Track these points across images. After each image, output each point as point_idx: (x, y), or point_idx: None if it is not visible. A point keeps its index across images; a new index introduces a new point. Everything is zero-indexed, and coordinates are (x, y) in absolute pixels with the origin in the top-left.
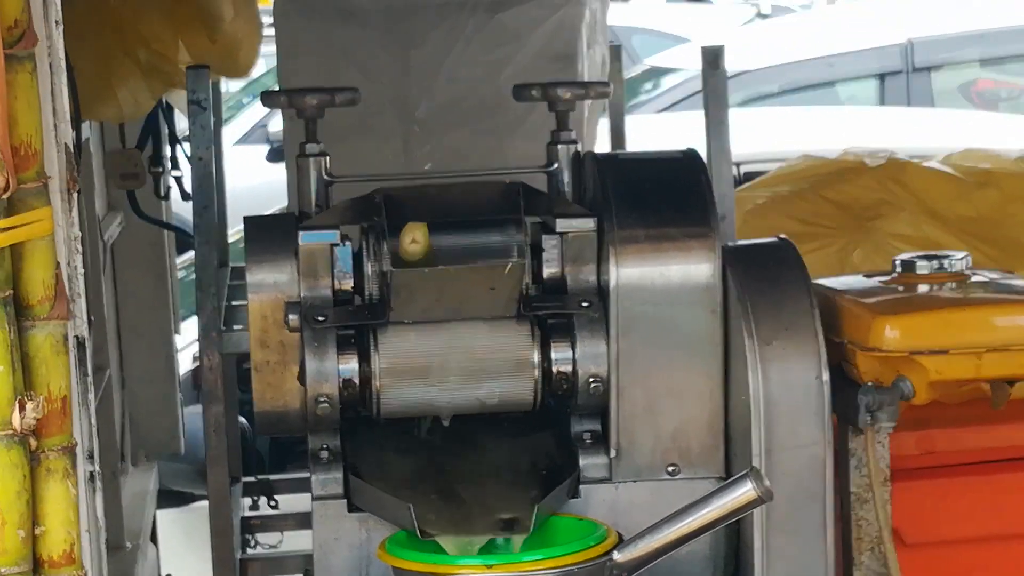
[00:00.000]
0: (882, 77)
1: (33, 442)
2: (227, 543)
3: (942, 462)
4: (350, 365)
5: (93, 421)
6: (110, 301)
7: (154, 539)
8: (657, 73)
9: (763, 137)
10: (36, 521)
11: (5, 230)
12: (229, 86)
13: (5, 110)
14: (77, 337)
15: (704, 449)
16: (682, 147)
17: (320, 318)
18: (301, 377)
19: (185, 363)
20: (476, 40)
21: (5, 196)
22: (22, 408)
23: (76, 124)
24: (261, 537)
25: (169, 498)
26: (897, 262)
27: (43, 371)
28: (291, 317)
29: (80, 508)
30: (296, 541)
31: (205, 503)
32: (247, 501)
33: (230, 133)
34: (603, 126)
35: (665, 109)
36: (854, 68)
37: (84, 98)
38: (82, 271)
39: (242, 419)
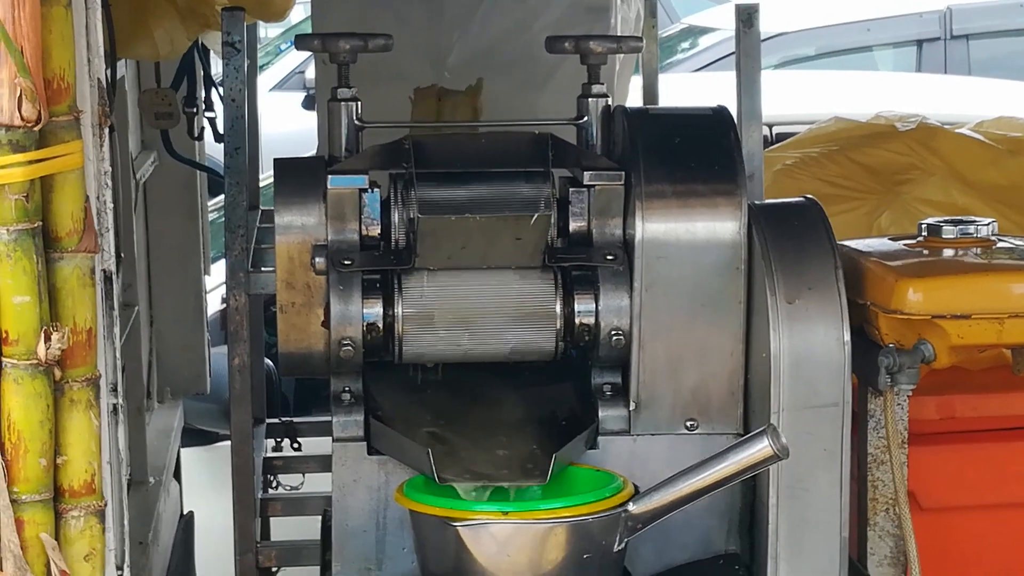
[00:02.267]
0: (920, 44)
1: (57, 372)
2: (248, 483)
3: (961, 427)
4: (374, 309)
5: (118, 355)
6: (141, 239)
7: (177, 476)
8: (694, 32)
9: (797, 99)
10: (58, 451)
11: (36, 162)
12: (267, 32)
13: (39, 42)
14: (104, 271)
15: (723, 405)
16: (712, 106)
17: (346, 262)
18: (326, 320)
19: (214, 304)
20: None
21: (37, 128)
22: (47, 338)
23: (112, 62)
24: (282, 478)
25: (193, 436)
26: (923, 226)
27: (69, 303)
28: (318, 260)
29: (102, 439)
30: (317, 483)
31: (228, 443)
32: (270, 442)
33: (267, 79)
34: (636, 83)
35: (701, 68)
36: (892, 34)
37: (120, 36)
38: (111, 206)
39: (268, 361)
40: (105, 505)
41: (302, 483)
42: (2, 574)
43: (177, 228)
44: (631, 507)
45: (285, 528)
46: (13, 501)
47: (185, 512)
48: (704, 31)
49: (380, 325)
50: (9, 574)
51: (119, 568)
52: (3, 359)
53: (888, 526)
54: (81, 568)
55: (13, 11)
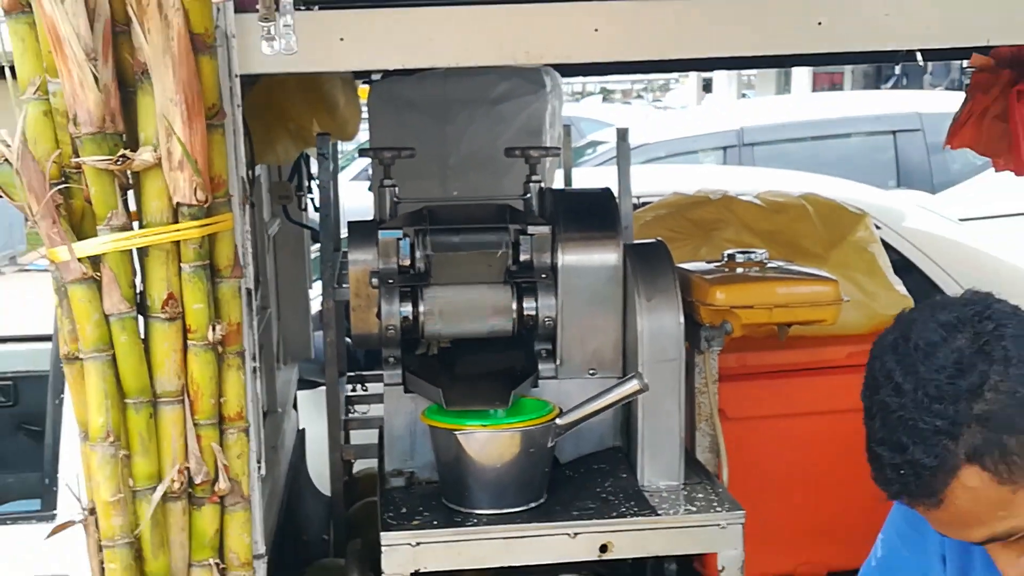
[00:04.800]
0: (725, 149)
1: (220, 348)
2: (337, 411)
3: (751, 371)
4: (407, 308)
5: (256, 338)
6: (271, 270)
7: (295, 407)
8: (595, 143)
9: (653, 182)
10: (221, 395)
11: (204, 225)
12: (345, 146)
13: (206, 154)
14: (248, 289)
15: (610, 360)
16: (602, 187)
17: (390, 281)
18: (378, 315)
19: (315, 306)
20: (484, 120)
21: (205, 206)
22: (213, 329)
23: (251, 166)
24: (357, 408)
25: (305, 384)
26: (725, 255)
27: (226, 308)
28: (373, 280)
29: (247, 387)
30: (376, 411)
31: (325, 387)
32: (349, 387)
33: (347, 174)
34: (559, 174)
35: (599, 164)
36: (709, 143)
37: (257, 150)
38: (251, 251)
39: (347, 339)
40: (249, 426)
41: (368, 410)
42: (187, 466)
43: (293, 263)
44: (558, 421)
45: (359, 437)
46: (196, 424)
47: (300, 429)
48: (600, 143)
49: (410, 317)
50: (193, 468)
51: (258, 462)
52: (188, 341)
53: (707, 430)
54: (235, 463)
55: (190, 135)
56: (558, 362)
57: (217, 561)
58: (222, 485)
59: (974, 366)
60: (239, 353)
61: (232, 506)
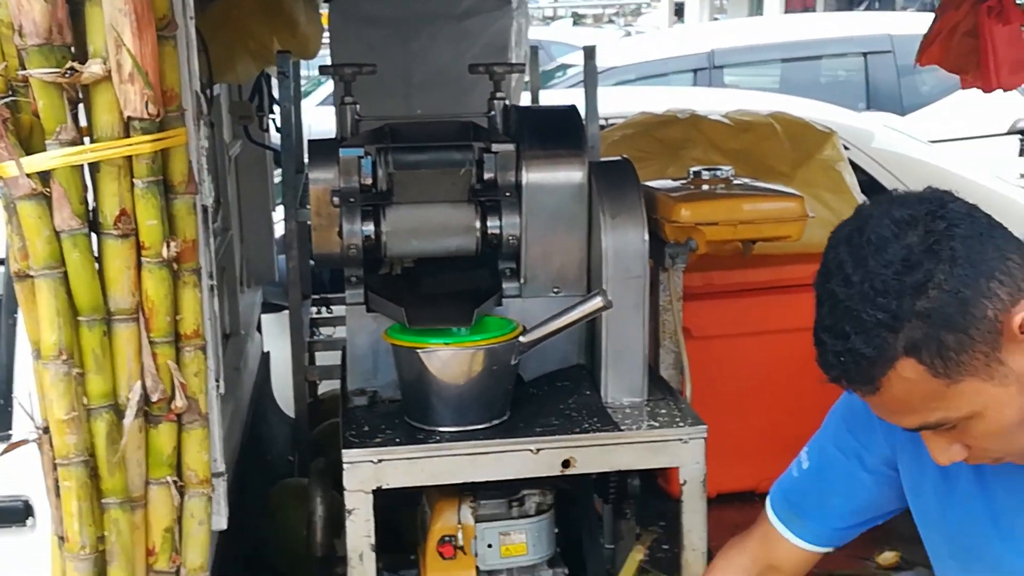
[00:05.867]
0: (695, 71)
1: (175, 266)
2: (300, 333)
3: (715, 290)
4: (368, 227)
5: (213, 256)
6: (234, 192)
7: (259, 330)
8: (564, 67)
9: (622, 103)
10: (177, 312)
11: (159, 139)
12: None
13: (157, 67)
14: (204, 206)
15: (575, 278)
16: (568, 104)
17: (351, 200)
18: (340, 234)
19: (279, 230)
20: (449, 37)
21: (157, 120)
22: (168, 246)
23: (210, 84)
24: (323, 330)
25: (270, 308)
26: (691, 172)
27: (181, 225)
28: (334, 199)
29: (204, 305)
30: (341, 332)
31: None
32: (314, 310)
33: (314, 98)
34: (527, 97)
35: (570, 87)
36: (679, 65)
37: (215, 69)
38: (207, 166)
39: (311, 261)
40: (206, 344)
41: (333, 332)
42: (140, 384)
43: (255, 185)
44: (521, 339)
45: (324, 359)
46: (151, 342)
47: (265, 352)
48: (570, 66)
49: (372, 236)
50: (149, 386)
51: (217, 380)
52: (142, 259)
53: (671, 347)
54: (192, 381)
55: (140, 47)
56: (522, 281)
57: (175, 479)
58: (179, 403)
59: (921, 264)
60: (195, 270)
61: (190, 424)
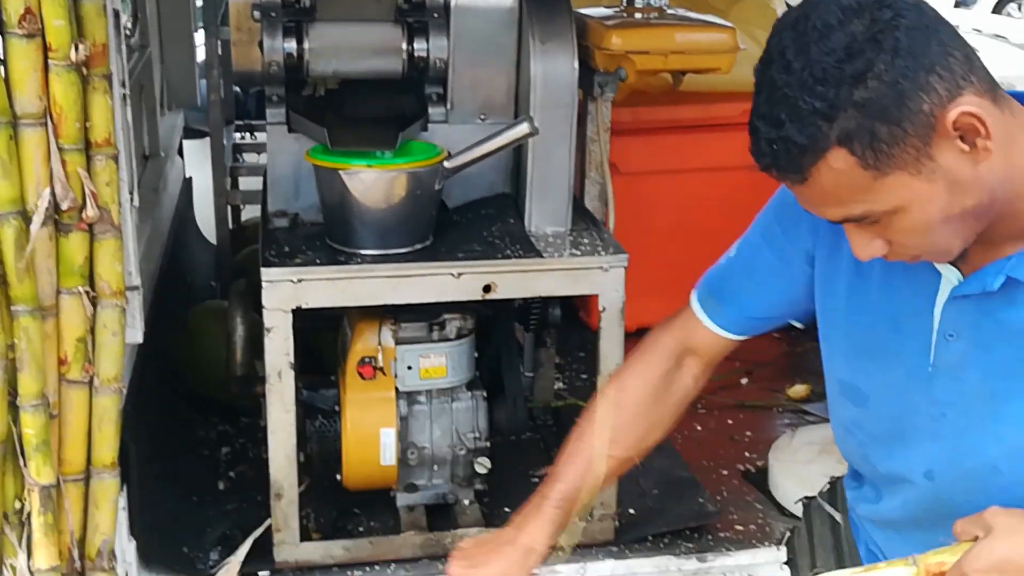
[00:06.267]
0: None
1: (84, 70)
2: (221, 158)
3: (643, 126)
4: (291, 44)
5: (126, 64)
6: (153, 8)
7: (181, 154)
8: None
9: None
10: (87, 119)
11: None
12: None
13: None
14: (116, 10)
15: (502, 105)
16: None
17: (273, 14)
18: (260, 48)
19: (201, 54)
20: None
21: None
22: (76, 48)
23: None
24: (247, 156)
25: (193, 133)
26: (625, 0)
27: (90, 27)
28: (255, 12)
29: (115, 113)
30: (264, 159)
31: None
32: (237, 135)
33: None
34: None
35: None
36: None
37: None
38: None
39: (236, 87)
40: (118, 153)
41: (258, 159)
42: (49, 190)
43: (176, 3)
44: (445, 164)
45: (247, 184)
46: (60, 148)
47: (187, 177)
48: None
49: (294, 55)
50: (58, 193)
51: (131, 192)
52: (50, 61)
53: (597, 179)
54: (104, 190)
55: None
56: (449, 106)
57: (87, 289)
58: (90, 212)
59: (863, 52)
60: (105, 76)
61: (102, 234)
